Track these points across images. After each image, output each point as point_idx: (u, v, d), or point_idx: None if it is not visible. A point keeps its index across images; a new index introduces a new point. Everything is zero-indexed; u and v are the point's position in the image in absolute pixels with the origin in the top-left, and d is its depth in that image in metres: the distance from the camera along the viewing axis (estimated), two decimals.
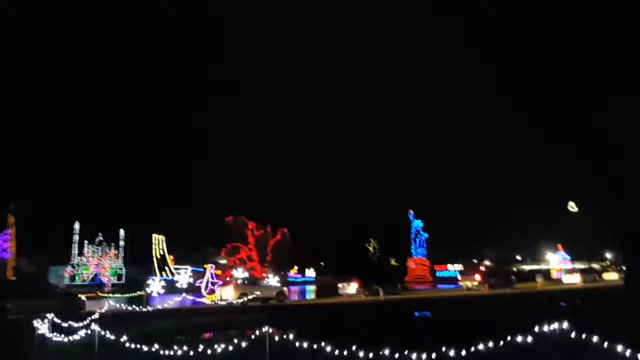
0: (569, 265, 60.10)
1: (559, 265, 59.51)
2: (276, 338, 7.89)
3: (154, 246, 50.43)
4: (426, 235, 62.43)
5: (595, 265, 67.41)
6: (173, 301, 24.99)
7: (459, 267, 61.68)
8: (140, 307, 21.63)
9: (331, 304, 27.00)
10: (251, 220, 55.71)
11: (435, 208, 69.31)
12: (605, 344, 7.61)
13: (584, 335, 7.89)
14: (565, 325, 8.00)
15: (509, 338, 8.35)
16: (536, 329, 8.43)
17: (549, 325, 8.37)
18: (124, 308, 21.07)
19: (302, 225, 61.02)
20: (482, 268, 39.57)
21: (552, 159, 78.25)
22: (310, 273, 62.40)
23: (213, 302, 26.17)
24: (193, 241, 52.60)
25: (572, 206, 59.83)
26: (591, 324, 8.10)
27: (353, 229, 71.27)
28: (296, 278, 58.93)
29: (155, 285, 41.81)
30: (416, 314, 24.78)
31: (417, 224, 62.60)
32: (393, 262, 74.79)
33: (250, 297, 23.78)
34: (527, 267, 70.13)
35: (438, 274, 61.78)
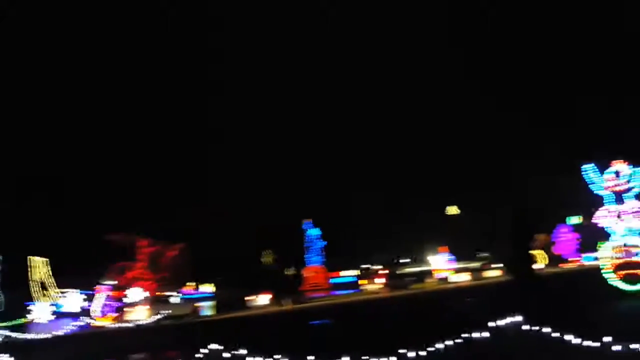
0: (454, 265, 64.85)
1: (444, 265, 63.97)
2: None
3: (31, 269, 46.66)
4: (323, 242, 63.66)
5: (476, 264, 73.31)
6: (67, 326, 23.19)
7: (354, 272, 63.82)
8: (26, 334, 19.84)
9: (243, 317, 26.74)
10: (143, 235, 53.03)
11: (330, 215, 70.84)
12: (555, 334, 8.49)
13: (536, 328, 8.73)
14: (519, 318, 8.79)
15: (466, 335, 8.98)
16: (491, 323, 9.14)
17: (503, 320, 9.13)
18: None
19: (197, 239, 59.38)
20: (385, 271, 41.42)
21: (435, 163, 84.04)
22: (207, 288, 60.57)
23: (113, 324, 24.70)
24: (79, 262, 48.90)
25: (454, 210, 64.51)
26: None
27: (250, 240, 70.74)
28: (190, 294, 56.97)
29: (40, 311, 38.27)
30: (315, 322, 25.30)
31: (314, 232, 63.67)
32: (290, 272, 75.15)
33: (162, 315, 22.78)
34: (413, 269, 74.17)
35: (334, 280, 63.24)
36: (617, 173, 20.88)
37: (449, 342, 8.77)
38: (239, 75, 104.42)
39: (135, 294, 47.49)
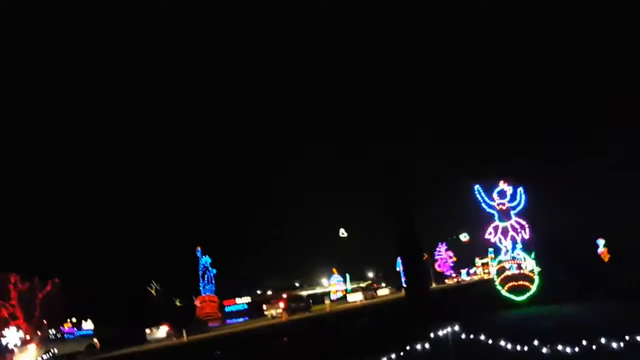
0: (344, 287, 66.37)
1: (336, 287, 65.30)
2: None
3: None
4: (214, 271, 61.92)
5: (363, 285, 75.58)
6: None
7: (246, 299, 62.75)
8: None
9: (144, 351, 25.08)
10: (13, 272, 48.03)
11: (221, 242, 69.22)
12: (490, 341, 8.96)
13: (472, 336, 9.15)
14: (456, 327, 9.14)
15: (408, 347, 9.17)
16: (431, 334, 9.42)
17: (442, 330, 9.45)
18: None
19: (75, 273, 54.99)
20: (284, 295, 41.32)
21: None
22: (89, 325, 55.94)
23: None
24: None
25: (342, 232, 66.21)
26: None
27: (133, 271, 66.74)
28: (71, 333, 52.27)
29: None
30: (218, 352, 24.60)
31: (205, 260, 61.76)
32: (177, 303, 72.07)
33: (51, 355, 20.56)
34: (305, 292, 74.72)
35: (227, 308, 61.60)
36: (502, 192, 22.85)
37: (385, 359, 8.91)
38: None
39: (11, 335, 42.88)
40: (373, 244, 70.92)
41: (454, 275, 77.86)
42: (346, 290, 64.56)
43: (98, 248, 69.89)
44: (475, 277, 73.63)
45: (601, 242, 60.25)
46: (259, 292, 75.21)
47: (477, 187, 23.09)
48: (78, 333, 53.07)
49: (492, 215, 22.93)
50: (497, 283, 22.49)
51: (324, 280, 77.12)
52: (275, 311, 34.64)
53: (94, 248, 69.51)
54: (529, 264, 22.17)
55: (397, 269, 77.59)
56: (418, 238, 27.05)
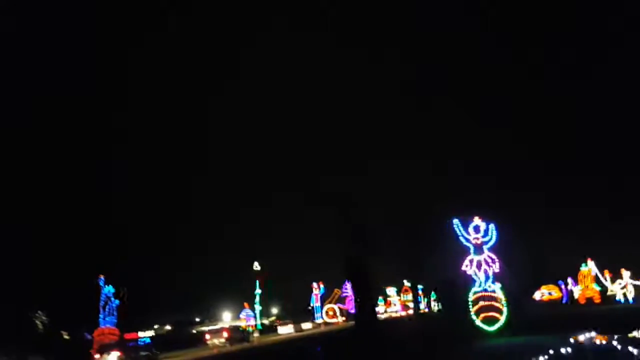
0: (253, 322, 64.73)
1: (246, 322, 63.42)
2: None
3: None
4: (117, 302, 57.19)
5: (266, 321, 74.52)
6: None
7: (150, 333, 58.83)
8: None
9: None
10: None
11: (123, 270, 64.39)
12: None
13: None
14: None
15: None
16: None
17: None
18: None
19: None
20: (226, 327, 39.34)
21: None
22: None
23: None
24: None
25: (256, 265, 64.85)
26: None
27: (15, 301, 59.53)
28: None
29: None
30: None
31: (108, 289, 56.87)
32: (65, 336, 65.35)
33: None
34: (207, 328, 71.75)
35: (130, 343, 56.97)
36: (476, 228, 24.40)
37: None
38: None
39: None
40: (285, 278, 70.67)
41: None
42: (255, 325, 63.03)
43: None
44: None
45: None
46: (156, 326, 70.80)
47: (456, 221, 24.43)
48: None
49: (468, 248, 24.34)
50: (472, 313, 23.67)
51: (225, 315, 74.84)
52: (218, 340, 33.11)
53: None
54: (499, 296, 23.69)
55: (309, 306, 77.64)
56: (365, 262, 27.65)
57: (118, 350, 29.17)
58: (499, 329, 23.14)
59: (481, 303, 23.74)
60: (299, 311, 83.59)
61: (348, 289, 78.34)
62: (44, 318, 66.08)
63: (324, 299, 77.59)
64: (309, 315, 75.96)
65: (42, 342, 59.49)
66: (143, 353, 29.36)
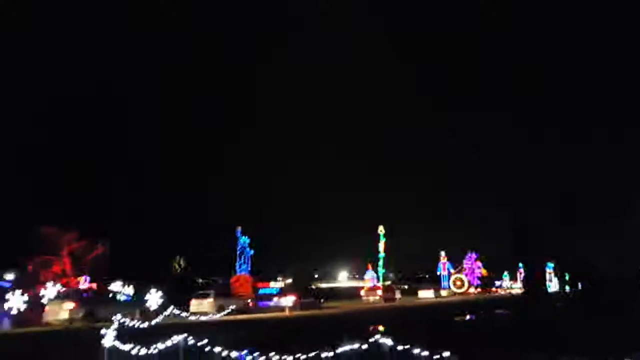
0: (376, 283, 66.79)
1: (370, 283, 65.72)
2: None
3: None
4: (251, 251, 62.78)
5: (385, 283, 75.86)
6: None
7: (280, 284, 63.48)
8: None
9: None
10: (65, 230, 49.37)
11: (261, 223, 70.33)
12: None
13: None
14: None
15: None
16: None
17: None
18: None
19: (123, 241, 56.64)
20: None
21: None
22: (129, 291, 57.12)
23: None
24: None
25: (381, 229, 66.27)
26: None
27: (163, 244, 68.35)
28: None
29: None
30: None
31: (244, 240, 62.61)
32: (199, 280, 73.55)
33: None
34: (325, 285, 75.40)
35: (261, 291, 62.37)
36: None
37: None
38: None
39: (50, 290, 43.67)
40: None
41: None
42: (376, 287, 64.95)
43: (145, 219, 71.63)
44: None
45: None
46: (279, 279, 75.52)
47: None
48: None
49: None
50: None
51: (341, 275, 77.90)
52: (373, 298, 34.55)
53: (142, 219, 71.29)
54: None
55: (437, 273, 77.61)
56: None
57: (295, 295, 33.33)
58: None
59: None
60: (413, 279, 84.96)
61: (471, 260, 77.21)
62: (181, 262, 74.99)
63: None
64: (424, 283, 76.40)
65: (179, 282, 67.74)
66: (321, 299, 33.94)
